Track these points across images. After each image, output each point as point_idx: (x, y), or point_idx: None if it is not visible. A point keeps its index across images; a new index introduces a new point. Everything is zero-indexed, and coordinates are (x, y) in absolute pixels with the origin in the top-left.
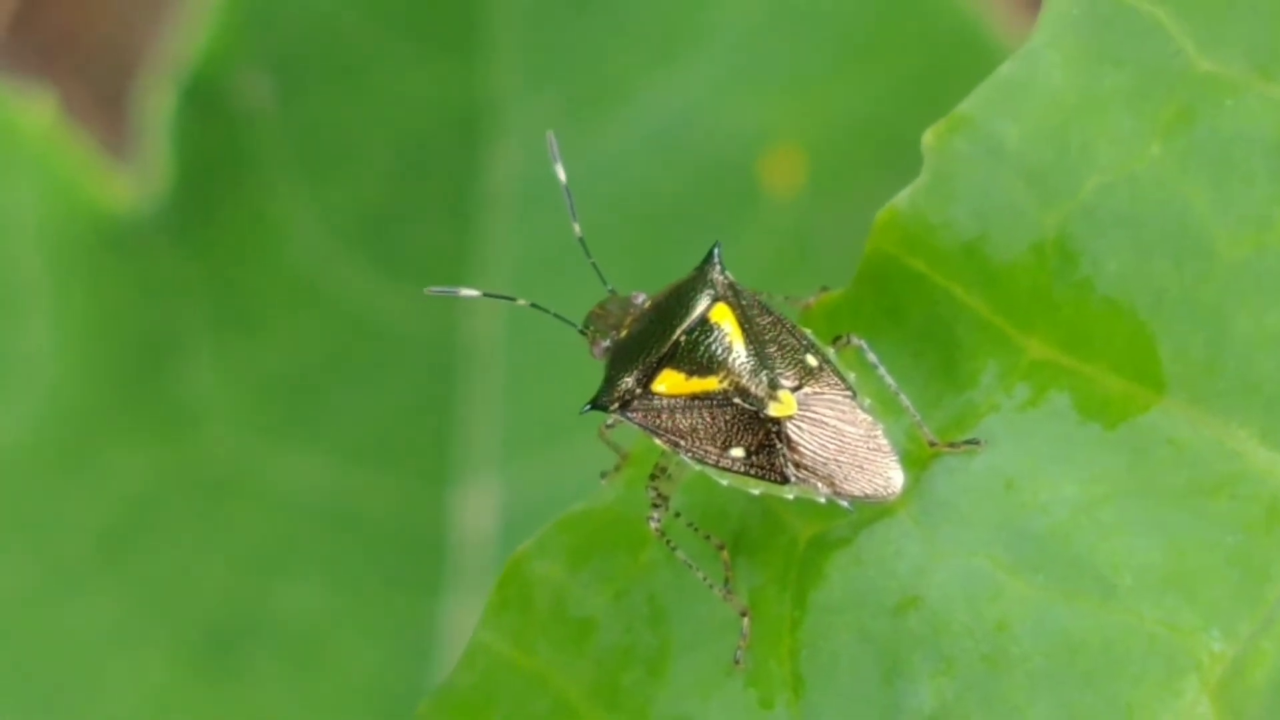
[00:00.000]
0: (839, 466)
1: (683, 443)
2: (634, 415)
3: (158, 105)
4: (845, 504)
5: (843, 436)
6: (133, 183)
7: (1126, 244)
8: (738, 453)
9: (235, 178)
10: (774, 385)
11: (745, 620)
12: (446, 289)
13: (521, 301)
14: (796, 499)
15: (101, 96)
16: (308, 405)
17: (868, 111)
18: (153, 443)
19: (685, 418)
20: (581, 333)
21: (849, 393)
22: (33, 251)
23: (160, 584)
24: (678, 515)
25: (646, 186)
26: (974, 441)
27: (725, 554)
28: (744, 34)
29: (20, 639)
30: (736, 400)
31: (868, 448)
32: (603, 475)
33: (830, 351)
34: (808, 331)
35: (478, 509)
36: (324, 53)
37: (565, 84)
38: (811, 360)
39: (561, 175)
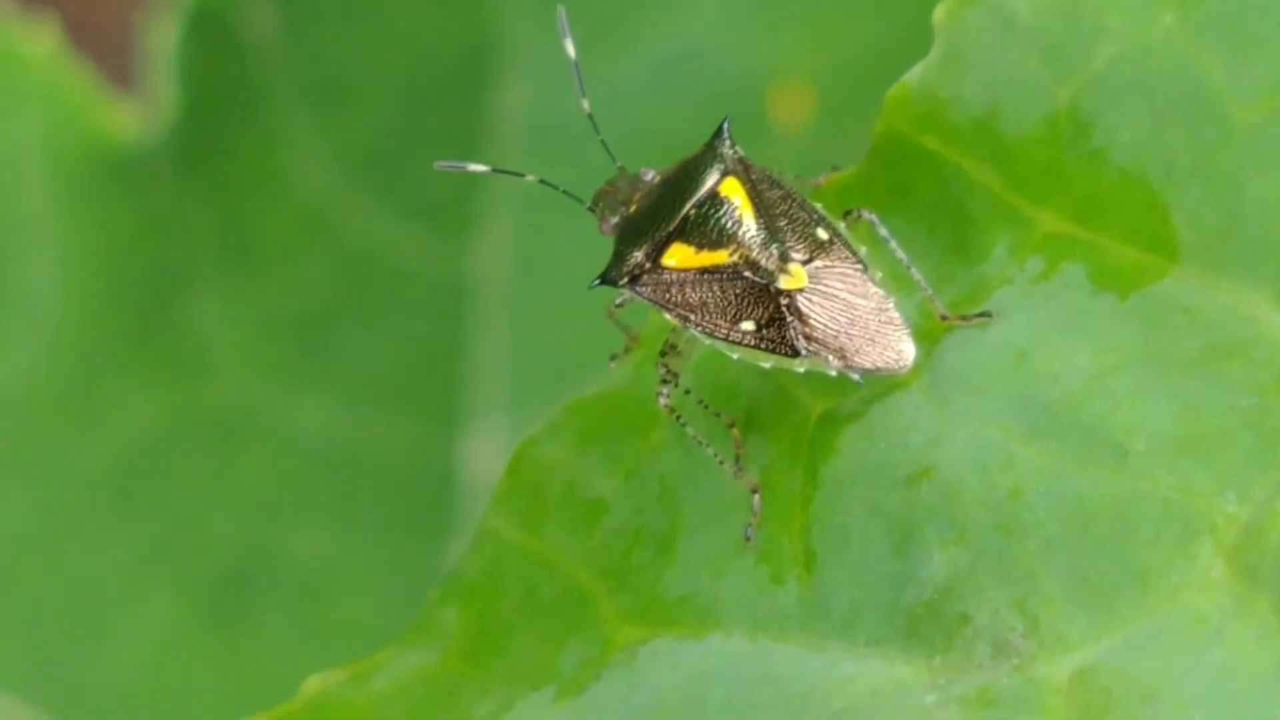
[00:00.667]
0: (850, 339)
1: (693, 317)
2: (643, 290)
3: (163, 35)
4: (856, 377)
5: (854, 309)
6: (139, 114)
7: (1140, 113)
8: (748, 326)
9: (242, 110)
10: (784, 258)
11: (756, 497)
12: (455, 164)
13: (530, 178)
14: (807, 372)
15: (118, 81)
16: (315, 345)
17: (876, 46)
18: (159, 384)
19: (695, 292)
20: (590, 210)
21: (860, 266)
22: (37, 184)
23: (168, 528)
24: (687, 393)
25: (655, 121)
26: (985, 314)
27: (736, 431)
28: None
29: (26, 585)
30: (747, 273)
31: (879, 321)
32: (612, 358)
33: (841, 225)
34: (818, 205)
35: (486, 452)
36: None
37: (573, 18)
38: (822, 234)
39: (571, 51)
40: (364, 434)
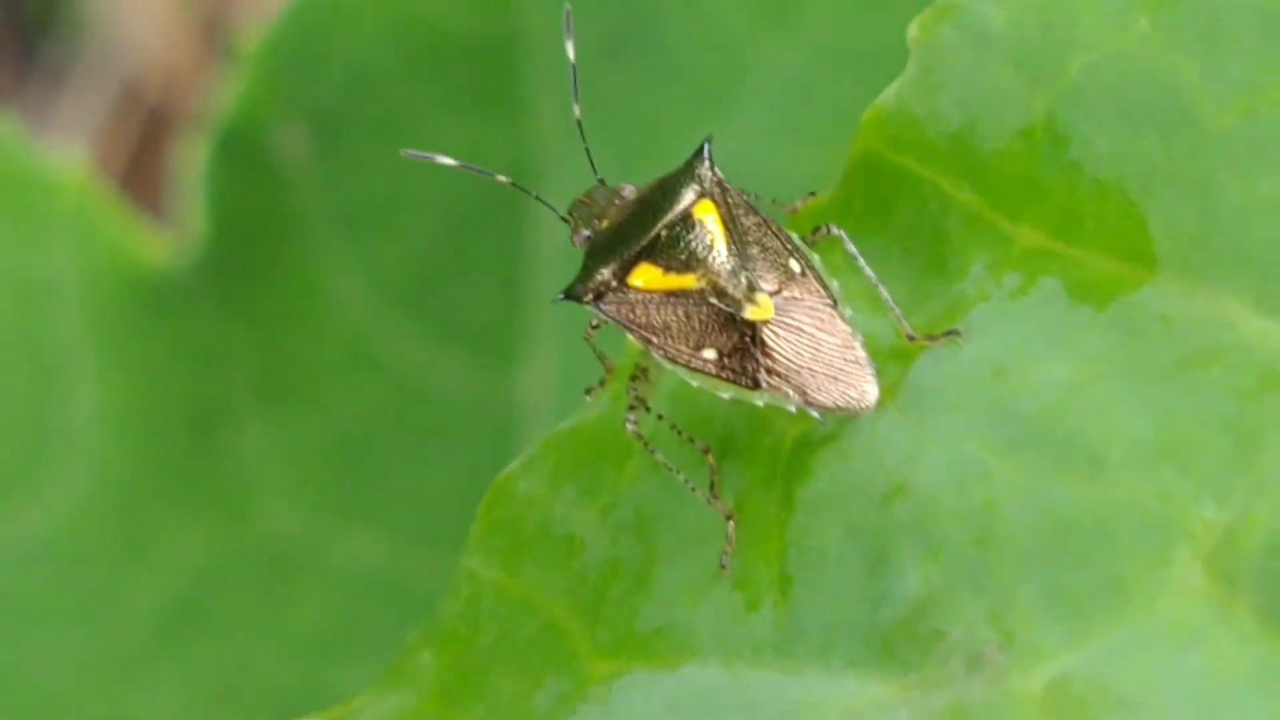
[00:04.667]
0: (812, 376)
1: (655, 339)
2: (607, 307)
3: (193, 161)
4: (816, 414)
5: (819, 345)
6: (171, 240)
7: (1115, 122)
8: (710, 354)
9: (277, 235)
10: (752, 288)
11: (730, 524)
12: (424, 154)
13: (501, 178)
14: (767, 405)
15: (149, 210)
16: (363, 476)
17: None
18: (205, 518)
19: (659, 314)
20: (564, 219)
21: (830, 301)
22: (73, 315)
23: (220, 666)
24: (660, 418)
25: None
26: (954, 332)
27: (710, 457)
28: (785, 84)
29: None
30: (713, 300)
31: (844, 359)
32: (587, 391)
33: (816, 259)
34: (794, 236)
35: None
36: (364, 108)
37: (610, 139)
38: (794, 265)
39: (571, 53)
40: (415, 567)
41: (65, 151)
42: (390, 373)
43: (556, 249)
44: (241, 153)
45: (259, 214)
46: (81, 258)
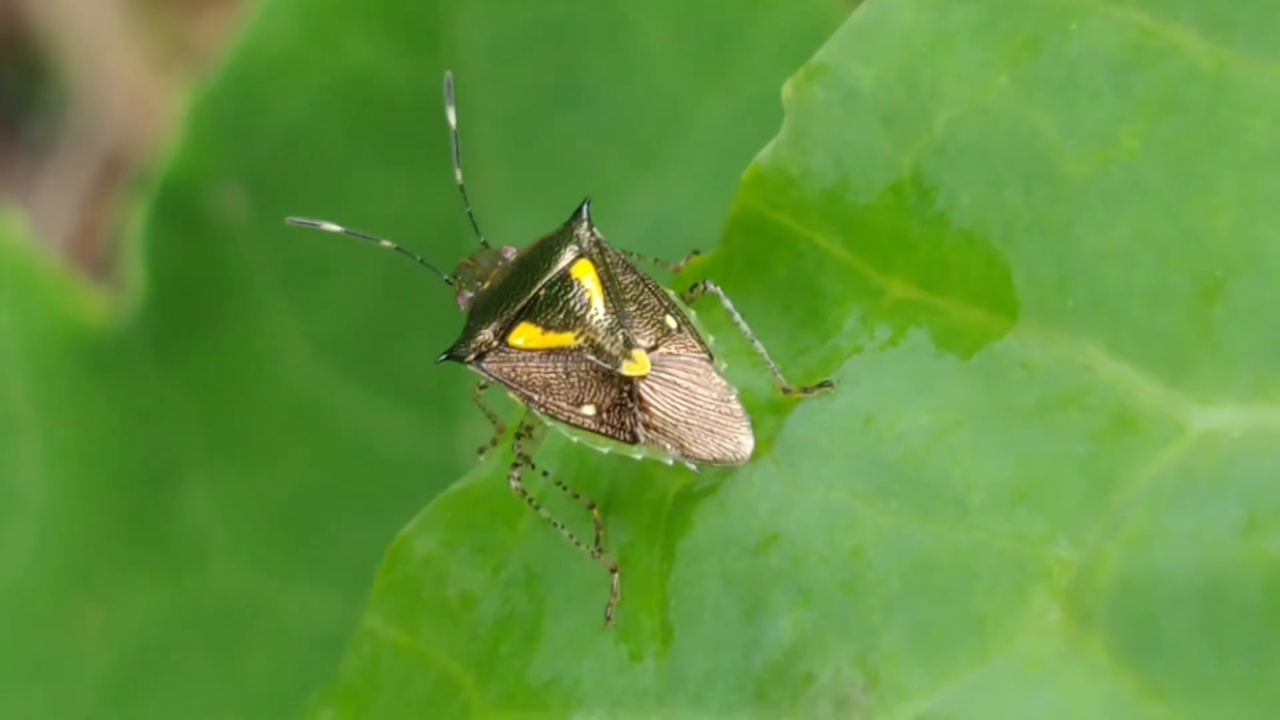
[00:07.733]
0: (689, 429)
1: (536, 397)
2: (489, 366)
3: (132, 220)
4: (693, 466)
5: (695, 399)
6: (109, 298)
7: (978, 175)
8: (589, 410)
9: (217, 293)
10: (629, 344)
11: (615, 577)
12: (309, 221)
13: (386, 243)
14: (644, 459)
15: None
16: (311, 534)
17: None
18: (155, 576)
19: (540, 372)
20: (448, 282)
21: (705, 355)
22: (15, 375)
23: None
24: (545, 474)
25: None
26: (827, 384)
27: (596, 512)
28: (718, 137)
29: None
30: (591, 357)
31: (719, 412)
32: (480, 451)
33: (692, 314)
34: (671, 293)
35: None
36: (302, 164)
37: (548, 194)
38: (670, 321)
39: (452, 120)
40: None
41: (2, 213)
42: (334, 430)
43: None
44: (180, 212)
45: (199, 273)
46: (22, 318)
